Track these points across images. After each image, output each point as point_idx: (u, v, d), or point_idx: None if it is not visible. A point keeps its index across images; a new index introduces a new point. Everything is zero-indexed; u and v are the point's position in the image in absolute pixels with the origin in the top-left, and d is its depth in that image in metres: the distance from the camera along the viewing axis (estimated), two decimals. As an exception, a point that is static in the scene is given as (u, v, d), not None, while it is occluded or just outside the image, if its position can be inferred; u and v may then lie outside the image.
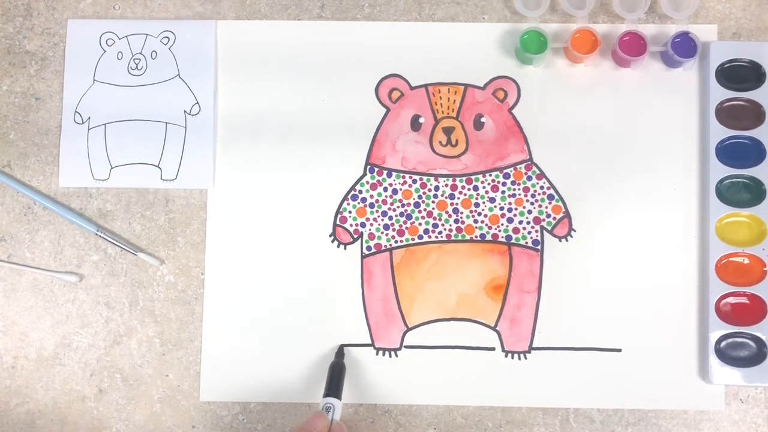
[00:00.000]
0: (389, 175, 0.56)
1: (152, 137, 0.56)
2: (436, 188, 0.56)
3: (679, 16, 0.55)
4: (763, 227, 0.54)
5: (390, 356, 0.55)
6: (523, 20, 0.57)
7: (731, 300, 0.54)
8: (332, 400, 0.51)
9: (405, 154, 0.56)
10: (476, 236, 0.55)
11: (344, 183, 0.56)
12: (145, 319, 0.55)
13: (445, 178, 0.56)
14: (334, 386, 0.52)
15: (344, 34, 0.57)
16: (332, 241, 0.56)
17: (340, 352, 0.54)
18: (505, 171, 0.56)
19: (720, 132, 0.54)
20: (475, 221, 0.55)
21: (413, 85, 0.57)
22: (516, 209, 0.55)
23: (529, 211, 0.55)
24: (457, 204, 0.55)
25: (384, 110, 0.57)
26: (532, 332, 0.55)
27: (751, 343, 0.53)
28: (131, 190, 0.57)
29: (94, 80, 0.57)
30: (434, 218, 0.55)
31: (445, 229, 0.55)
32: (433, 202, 0.56)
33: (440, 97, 0.56)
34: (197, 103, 0.57)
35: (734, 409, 0.54)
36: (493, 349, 0.55)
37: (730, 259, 0.54)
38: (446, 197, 0.56)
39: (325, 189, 0.56)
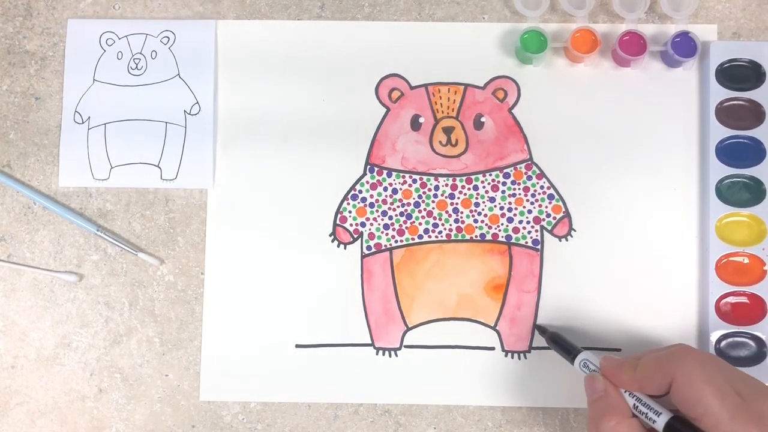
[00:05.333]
0: (389, 175, 0.56)
1: (152, 137, 0.56)
2: (436, 188, 0.56)
3: (679, 16, 0.55)
4: (763, 227, 0.54)
5: (390, 356, 0.55)
6: (523, 20, 0.57)
7: (731, 300, 0.54)
8: (581, 356, 0.50)
9: (405, 153, 0.56)
10: (476, 236, 0.55)
11: (344, 183, 0.56)
12: (145, 319, 0.55)
13: (445, 178, 0.56)
14: (569, 347, 0.51)
15: (344, 34, 0.57)
16: (332, 241, 0.56)
17: (540, 329, 0.54)
18: (505, 171, 0.56)
19: (720, 132, 0.54)
20: (475, 221, 0.55)
21: (413, 84, 0.57)
22: (516, 209, 0.55)
23: (529, 211, 0.55)
24: (457, 204, 0.55)
25: (384, 110, 0.57)
26: (531, 332, 0.55)
27: (751, 343, 0.53)
28: (131, 190, 0.57)
29: (94, 80, 0.57)
30: (434, 218, 0.55)
31: (445, 229, 0.55)
32: (433, 201, 0.56)
33: (440, 96, 0.56)
34: (197, 103, 0.57)
35: (734, 408, 0.54)
36: (493, 348, 0.55)
37: (730, 258, 0.54)
38: (446, 197, 0.56)
39: (325, 189, 0.56)
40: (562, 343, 0.52)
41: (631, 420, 0.45)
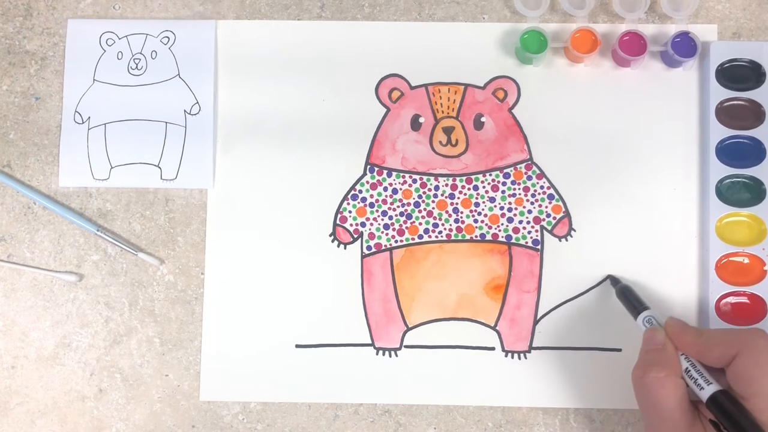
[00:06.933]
0: (389, 175, 0.56)
1: (152, 137, 0.56)
2: (436, 188, 0.56)
3: (679, 16, 0.55)
4: (763, 227, 0.54)
5: (390, 356, 0.55)
6: (523, 20, 0.57)
7: (731, 300, 0.54)
8: (646, 312, 0.50)
9: (405, 153, 0.56)
10: (476, 236, 0.55)
11: (344, 183, 0.56)
12: (145, 319, 0.55)
13: (445, 178, 0.56)
14: (637, 303, 0.51)
15: (344, 34, 0.57)
16: (332, 241, 0.56)
17: (613, 280, 0.54)
18: (505, 171, 0.56)
19: (720, 132, 0.54)
20: (475, 221, 0.55)
21: (413, 84, 0.57)
22: (516, 209, 0.55)
23: (529, 211, 0.55)
24: (457, 204, 0.55)
25: (384, 110, 0.57)
26: (531, 332, 0.55)
27: (751, 342, 0.53)
28: (131, 190, 0.57)
29: (94, 80, 0.57)
30: (434, 218, 0.55)
31: (445, 229, 0.55)
32: (433, 201, 0.56)
33: (440, 96, 0.56)
34: (197, 102, 0.57)
35: (734, 408, 0.54)
36: (493, 348, 0.55)
37: (730, 258, 0.54)
38: (446, 197, 0.56)
39: (325, 189, 0.56)
40: (630, 297, 0.52)
41: (679, 379, 0.46)
